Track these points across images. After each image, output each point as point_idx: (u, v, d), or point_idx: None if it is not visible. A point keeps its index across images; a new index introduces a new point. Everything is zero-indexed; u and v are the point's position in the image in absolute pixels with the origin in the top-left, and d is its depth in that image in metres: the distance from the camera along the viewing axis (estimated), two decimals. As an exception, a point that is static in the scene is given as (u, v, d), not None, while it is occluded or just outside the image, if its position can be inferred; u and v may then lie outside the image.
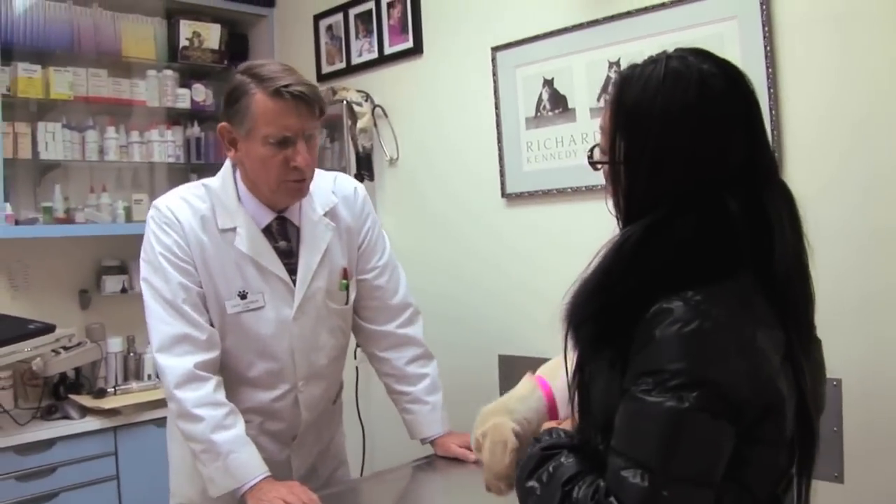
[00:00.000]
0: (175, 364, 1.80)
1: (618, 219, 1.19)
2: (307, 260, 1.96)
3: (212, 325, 1.90)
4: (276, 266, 1.92)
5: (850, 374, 1.93)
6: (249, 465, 1.77)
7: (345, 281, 2.05)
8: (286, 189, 1.87)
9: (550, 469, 1.14)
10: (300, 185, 1.89)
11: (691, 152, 1.10)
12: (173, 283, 1.84)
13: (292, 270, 1.94)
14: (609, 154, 1.17)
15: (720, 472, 1.05)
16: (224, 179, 1.94)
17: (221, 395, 1.82)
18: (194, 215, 1.89)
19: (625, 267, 1.10)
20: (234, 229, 1.89)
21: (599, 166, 1.21)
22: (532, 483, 1.16)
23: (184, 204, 1.90)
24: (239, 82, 1.82)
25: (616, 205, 1.19)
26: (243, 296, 1.90)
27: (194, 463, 1.83)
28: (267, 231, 1.94)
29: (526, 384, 1.54)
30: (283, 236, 1.96)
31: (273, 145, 1.80)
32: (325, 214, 2.01)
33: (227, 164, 1.96)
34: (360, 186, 2.14)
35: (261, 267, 1.91)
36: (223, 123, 1.86)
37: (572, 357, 1.18)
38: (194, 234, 1.88)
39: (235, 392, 1.91)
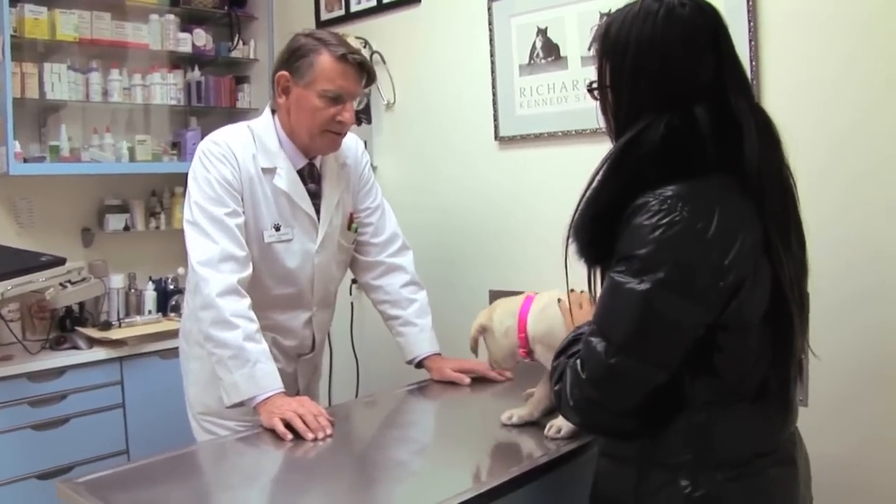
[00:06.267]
0: (219, 277, 1.96)
1: (610, 137, 1.36)
2: (329, 201, 2.22)
3: None
4: (307, 204, 2.17)
5: (817, 306, 2.06)
6: (272, 376, 1.93)
7: (354, 224, 2.32)
8: (326, 139, 2.12)
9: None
10: (337, 139, 2.15)
11: (662, 71, 1.27)
12: (228, 208, 2.04)
13: (317, 209, 2.19)
14: (598, 80, 1.36)
15: (676, 355, 1.23)
16: (266, 125, 2.16)
17: (254, 314, 1.99)
18: (246, 152, 2.10)
19: (607, 175, 1.27)
20: (274, 169, 2.13)
21: (596, 93, 1.38)
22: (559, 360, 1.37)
23: (238, 142, 2.11)
24: (305, 42, 2.08)
25: (607, 123, 1.37)
26: (277, 227, 2.13)
27: (215, 372, 1.97)
28: (300, 173, 2.16)
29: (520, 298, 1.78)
30: (313, 180, 2.20)
31: (327, 99, 2.06)
32: (340, 165, 2.27)
33: (267, 111, 2.19)
34: (360, 140, 2.41)
35: (294, 204, 2.14)
36: (282, 72, 2.09)
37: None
38: (245, 169, 2.09)
39: (255, 311, 2.05)
